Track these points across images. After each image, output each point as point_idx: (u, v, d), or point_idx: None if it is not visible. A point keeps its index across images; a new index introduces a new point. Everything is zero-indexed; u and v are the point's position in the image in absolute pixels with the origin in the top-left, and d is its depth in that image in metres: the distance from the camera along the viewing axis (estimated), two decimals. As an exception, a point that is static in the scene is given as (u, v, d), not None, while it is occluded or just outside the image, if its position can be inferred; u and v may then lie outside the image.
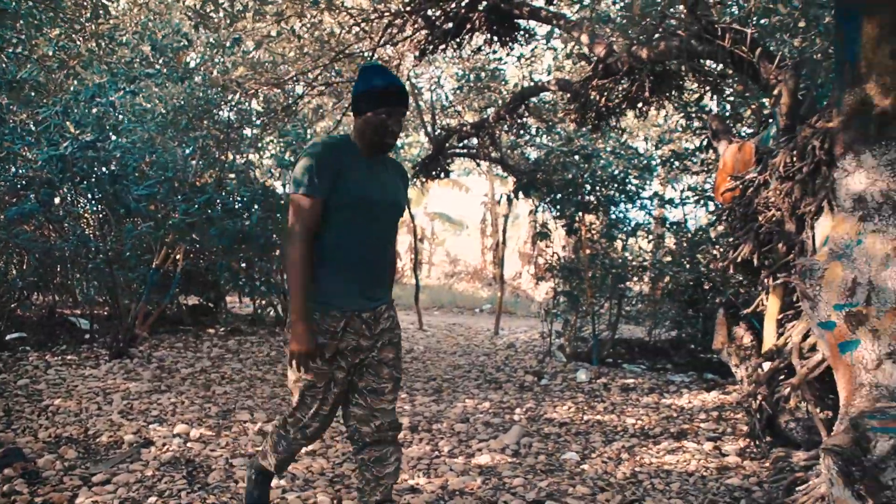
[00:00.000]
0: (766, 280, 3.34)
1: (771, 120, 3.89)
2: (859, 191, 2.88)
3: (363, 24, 7.57)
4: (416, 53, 7.59)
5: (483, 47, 7.03)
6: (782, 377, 3.39)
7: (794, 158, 3.14)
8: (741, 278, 3.68)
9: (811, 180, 3.08)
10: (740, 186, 3.51)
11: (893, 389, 2.65)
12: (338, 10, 7.18)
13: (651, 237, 8.87)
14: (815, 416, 3.08)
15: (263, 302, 9.60)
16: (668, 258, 8.43)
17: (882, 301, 2.73)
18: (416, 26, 7.32)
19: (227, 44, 8.23)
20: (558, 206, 8.28)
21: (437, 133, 8.82)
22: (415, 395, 6.47)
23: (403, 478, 4.13)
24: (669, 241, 9.11)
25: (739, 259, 3.41)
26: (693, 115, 6.37)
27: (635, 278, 8.68)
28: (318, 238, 2.80)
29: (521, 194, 8.23)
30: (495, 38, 6.85)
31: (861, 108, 2.94)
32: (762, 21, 5.14)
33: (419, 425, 5.39)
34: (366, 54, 8.02)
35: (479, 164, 9.00)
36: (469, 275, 20.41)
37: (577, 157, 7.81)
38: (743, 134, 6.26)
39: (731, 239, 3.67)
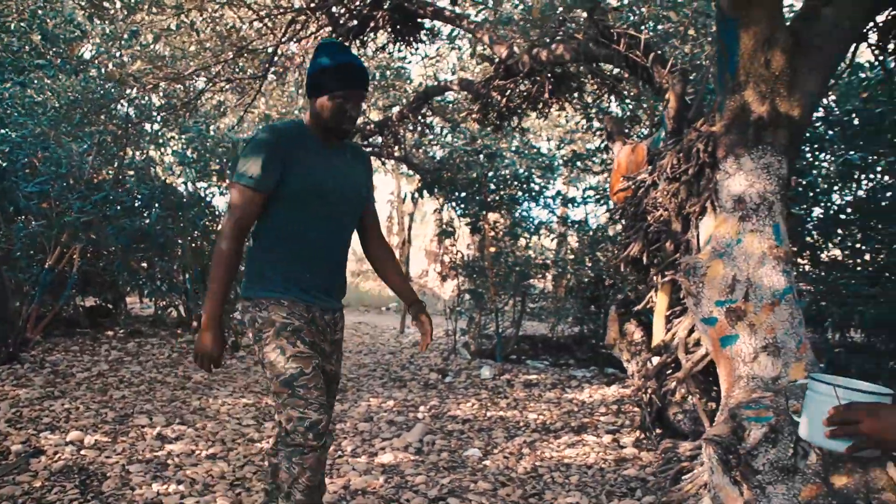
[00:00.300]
0: (654, 277, 3.47)
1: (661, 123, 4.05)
2: (739, 192, 3.03)
3: (266, 20, 7.46)
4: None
5: (387, 46, 7.04)
6: (670, 371, 3.54)
7: (681, 161, 3.27)
8: (633, 276, 3.82)
9: (696, 182, 3.22)
10: (632, 187, 3.64)
11: (768, 380, 2.80)
12: (238, 5, 7.05)
13: (554, 235, 9.06)
14: (699, 408, 3.23)
15: (165, 302, 9.34)
16: (571, 256, 8.63)
17: (758, 297, 2.88)
18: (319, 23, 7.26)
19: (125, 36, 7.98)
20: (463, 205, 8.37)
21: (341, 131, 8.72)
22: (319, 396, 6.43)
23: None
24: (572, 239, 9.32)
25: (630, 257, 3.54)
26: (593, 116, 6.54)
27: (539, 276, 8.85)
28: (270, 229, 2.62)
29: (425, 193, 8.28)
30: (399, 37, 6.86)
31: (741, 114, 3.09)
32: (656, 27, 5.33)
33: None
34: (269, 50, 7.90)
35: (384, 163, 8.98)
36: (375, 273, 20.33)
37: (480, 156, 7.91)
38: (639, 135, 6.47)
39: (622, 238, 3.79)
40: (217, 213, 9.25)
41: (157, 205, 7.92)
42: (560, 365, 8.38)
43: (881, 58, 3.68)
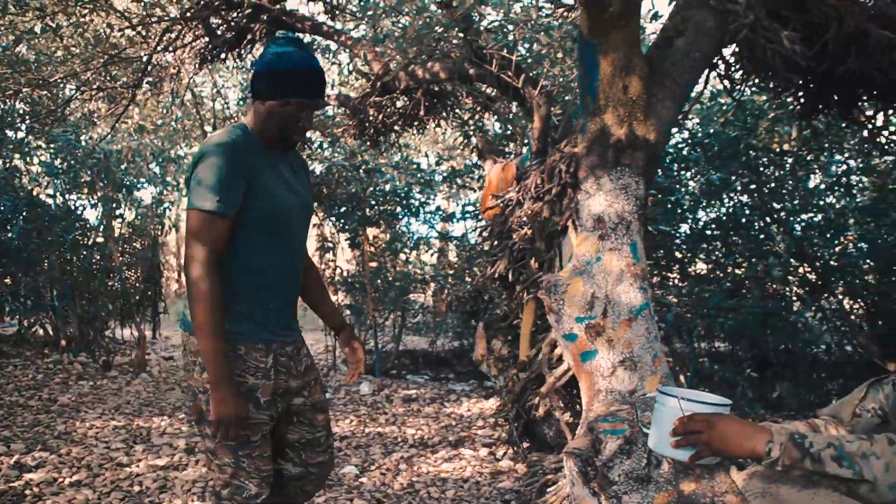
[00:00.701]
0: (520, 295, 3.56)
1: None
2: (599, 212, 3.14)
3: (139, 28, 7.21)
4: (197, 62, 7.35)
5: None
6: (535, 386, 3.64)
7: (544, 180, 3.38)
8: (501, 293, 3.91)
9: (558, 201, 3.33)
10: (500, 205, 3.72)
11: (625, 394, 2.92)
12: (108, 11, 6.79)
13: (434, 250, 9.14)
14: (562, 422, 3.34)
15: (29, 321, 8.85)
16: (451, 271, 8.73)
17: (616, 313, 3.00)
18: (196, 33, 7.08)
19: (-19, 37, 7.54)
20: (342, 220, 8.34)
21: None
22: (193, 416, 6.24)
23: (177, 503, 3.99)
24: (451, 254, 9.44)
25: (496, 274, 3.62)
26: (470, 133, 6.66)
27: (419, 291, 8.90)
28: (230, 258, 2.24)
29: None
30: (274, 50, 6.77)
31: (601, 136, 3.22)
32: (530, 49, 5.48)
33: (196, 447, 5.21)
34: (143, 58, 7.64)
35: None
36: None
37: (360, 171, 7.90)
38: (514, 153, 6.63)
39: (490, 255, 3.87)
40: (87, 225, 8.86)
41: (21, 217, 7.51)
42: (440, 379, 8.44)
43: (728, 87, 3.91)
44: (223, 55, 7.14)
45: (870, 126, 4.51)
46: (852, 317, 7.48)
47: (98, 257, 8.83)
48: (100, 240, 9.04)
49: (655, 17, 4.83)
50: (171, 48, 7.38)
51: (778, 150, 6.79)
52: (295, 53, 2.24)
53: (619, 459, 2.71)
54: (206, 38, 7.02)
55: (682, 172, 7.39)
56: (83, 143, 8.72)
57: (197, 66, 7.31)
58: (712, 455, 1.77)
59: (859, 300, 7.68)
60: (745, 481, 2.81)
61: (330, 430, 2.57)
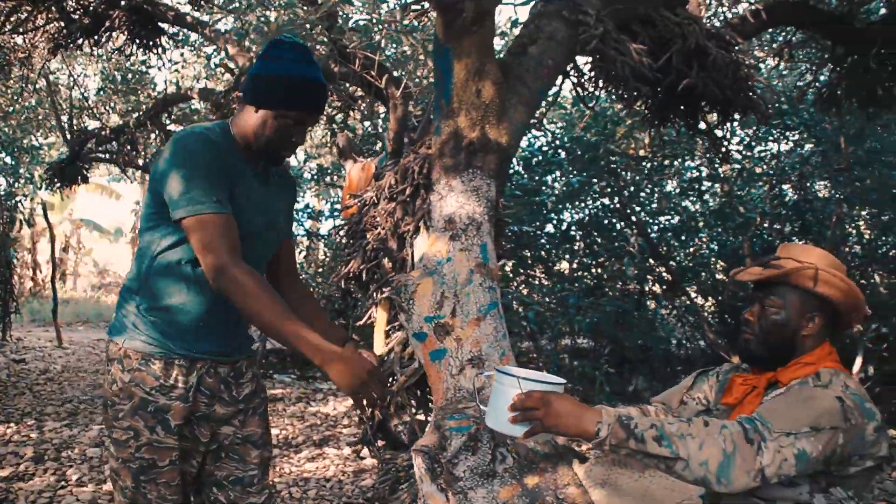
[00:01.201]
0: (374, 294, 3.58)
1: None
2: (450, 213, 3.20)
3: (-18, 8, 6.78)
4: (50, 46, 6.99)
5: (124, 48, 6.67)
6: (388, 384, 3.66)
7: (398, 181, 3.41)
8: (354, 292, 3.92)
9: (412, 202, 3.37)
10: (357, 204, 3.73)
11: (472, 392, 2.98)
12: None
13: (302, 248, 9.04)
14: (412, 420, 3.38)
15: None
16: (319, 269, 8.66)
17: (465, 313, 3.06)
18: (49, 16, 6.74)
19: None
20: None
21: (74, 136, 8.17)
22: (44, 422, 5.96)
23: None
24: (320, 252, 9.37)
25: (351, 273, 3.62)
26: (337, 131, 6.63)
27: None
28: (172, 261, 2.04)
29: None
30: (137, 40, 6.54)
31: (454, 138, 3.27)
32: (395, 50, 5.52)
33: (46, 454, 4.97)
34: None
35: (123, 171, 8.49)
36: (119, 286, 19.15)
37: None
38: (380, 153, 6.65)
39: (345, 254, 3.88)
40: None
41: None
42: (307, 378, 8.37)
43: (581, 95, 4.06)
44: (80, 41, 6.83)
45: (713, 136, 4.79)
46: (704, 313, 7.93)
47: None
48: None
49: (515, 24, 4.96)
50: (20, 30, 7.00)
51: (635, 155, 7.11)
52: (297, 63, 2.03)
53: (464, 456, 2.76)
54: (61, 23, 6.70)
55: (547, 175, 7.63)
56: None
57: (50, 51, 6.96)
58: (545, 432, 1.83)
59: (710, 298, 8.15)
60: (586, 473, 2.94)
61: (267, 469, 2.28)
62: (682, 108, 4.52)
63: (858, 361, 6.28)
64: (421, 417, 3.68)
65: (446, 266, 3.12)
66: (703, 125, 4.63)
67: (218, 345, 2.13)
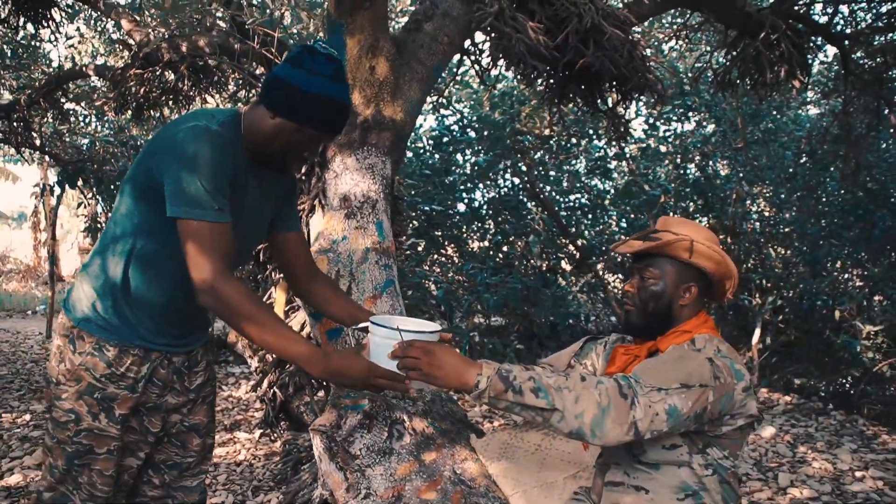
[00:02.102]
0: (272, 275, 3.53)
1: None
2: (345, 191, 3.18)
3: None
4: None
5: (9, 19, 6.35)
6: (287, 366, 3.64)
7: (293, 159, 3.36)
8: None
9: (307, 180, 3.33)
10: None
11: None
12: None
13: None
14: (313, 401, 3.36)
15: None
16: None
17: (361, 290, 3.05)
18: None
19: None
20: (111, 199, 7.87)
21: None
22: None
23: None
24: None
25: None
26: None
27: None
28: (136, 246, 1.96)
29: (67, 185, 7.64)
30: (25, 12, 6.23)
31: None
32: (293, 27, 5.43)
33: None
34: None
35: (19, 152, 8.13)
36: (21, 274, 18.37)
37: (128, 147, 7.48)
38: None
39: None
40: None
41: None
42: (219, 362, 8.22)
43: (479, 72, 4.08)
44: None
45: (614, 115, 4.87)
46: (612, 290, 8.12)
47: None
48: None
49: (415, 2, 4.93)
50: None
51: (541, 135, 7.20)
52: (338, 82, 1.92)
53: (359, 434, 2.77)
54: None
55: (456, 154, 7.66)
56: None
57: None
58: (425, 381, 1.84)
59: (617, 274, 8.35)
60: (482, 446, 2.98)
61: (205, 457, 2.27)
62: (581, 87, 4.58)
63: (757, 333, 6.55)
64: (322, 396, 3.67)
65: (342, 245, 3.10)
66: (603, 104, 4.71)
67: (175, 337, 2.09)
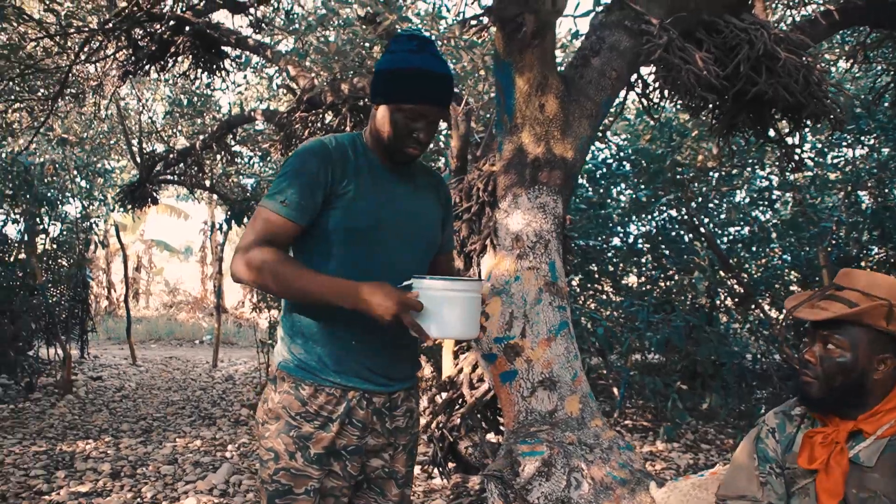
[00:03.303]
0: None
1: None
2: (517, 231, 3.13)
3: (56, 38, 7.02)
4: (120, 74, 7.20)
5: (188, 72, 6.82)
6: (458, 406, 3.61)
7: (463, 199, 3.36)
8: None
9: (477, 220, 3.32)
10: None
11: (545, 414, 2.90)
12: (18, 20, 6.59)
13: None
14: (483, 443, 3.31)
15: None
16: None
17: (535, 333, 2.99)
18: (118, 45, 6.93)
19: None
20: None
21: (144, 159, 8.42)
22: (120, 438, 6.09)
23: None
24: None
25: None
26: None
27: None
28: None
29: (234, 223, 8.08)
30: (201, 64, 6.67)
31: (518, 154, 3.21)
32: (455, 66, 5.49)
33: (122, 471, 5.08)
34: (63, 69, 7.44)
35: (191, 191, 8.67)
36: (190, 305, 19.56)
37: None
38: (444, 170, 6.63)
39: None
40: (8, 240, 8.58)
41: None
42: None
43: (646, 106, 3.96)
44: (147, 67, 7.00)
45: (784, 144, 4.61)
46: (778, 327, 7.66)
47: (20, 274, 8.55)
48: (22, 256, 8.76)
49: (576, 35, 4.87)
50: (92, 59, 7.21)
51: (702, 166, 6.93)
52: (414, 54, 1.94)
53: (537, 482, 2.69)
54: (129, 50, 6.88)
55: (612, 188, 7.50)
56: (2, 156, 8.44)
57: (120, 78, 7.17)
58: None
59: (784, 310, 7.85)
60: (664, 498, 2.82)
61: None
62: (750, 115, 4.37)
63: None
64: (492, 438, 3.61)
65: (515, 285, 3.05)
66: (772, 133, 4.47)
67: (372, 373, 2.05)
